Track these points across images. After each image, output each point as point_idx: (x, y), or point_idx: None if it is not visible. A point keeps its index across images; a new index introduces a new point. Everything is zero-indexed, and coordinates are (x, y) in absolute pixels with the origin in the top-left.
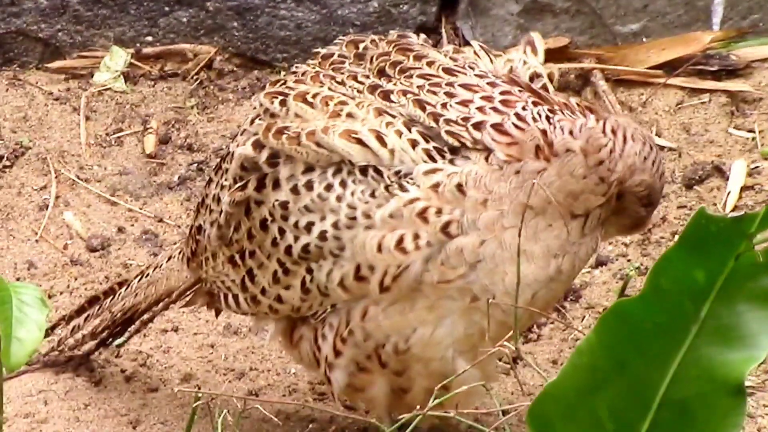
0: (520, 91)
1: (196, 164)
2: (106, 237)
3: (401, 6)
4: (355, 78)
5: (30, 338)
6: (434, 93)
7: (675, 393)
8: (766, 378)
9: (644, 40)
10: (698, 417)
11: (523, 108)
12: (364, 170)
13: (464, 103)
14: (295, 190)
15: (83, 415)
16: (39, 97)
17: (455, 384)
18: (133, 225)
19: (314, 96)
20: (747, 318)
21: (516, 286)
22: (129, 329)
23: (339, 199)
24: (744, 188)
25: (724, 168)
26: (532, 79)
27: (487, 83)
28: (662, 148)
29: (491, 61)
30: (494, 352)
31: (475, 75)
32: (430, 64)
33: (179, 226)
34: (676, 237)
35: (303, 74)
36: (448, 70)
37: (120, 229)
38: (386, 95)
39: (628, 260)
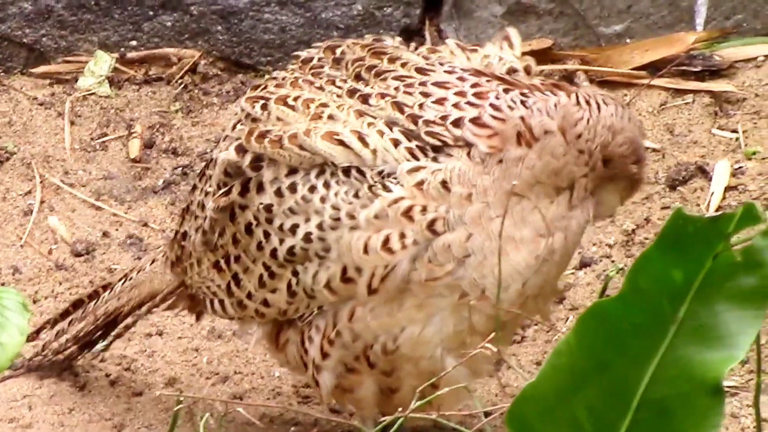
0: (488, 81)
1: (180, 168)
2: (90, 242)
3: (385, 9)
4: (333, 83)
5: (12, 343)
6: (410, 94)
7: (654, 393)
8: (750, 378)
9: (628, 41)
10: (677, 417)
11: (497, 97)
12: (347, 171)
13: (440, 101)
14: (279, 193)
15: (68, 419)
16: (24, 102)
17: (444, 382)
18: (117, 229)
19: (295, 99)
20: (725, 318)
21: (498, 283)
22: (112, 333)
23: (323, 200)
24: (727, 188)
25: (708, 168)
26: (509, 74)
27: (457, 78)
28: (646, 149)
29: (468, 58)
30: (483, 349)
31: (444, 72)
32: (403, 65)
33: (164, 231)
34: None
35: (283, 79)
36: (420, 70)
37: (105, 234)
38: (365, 99)
39: (612, 261)
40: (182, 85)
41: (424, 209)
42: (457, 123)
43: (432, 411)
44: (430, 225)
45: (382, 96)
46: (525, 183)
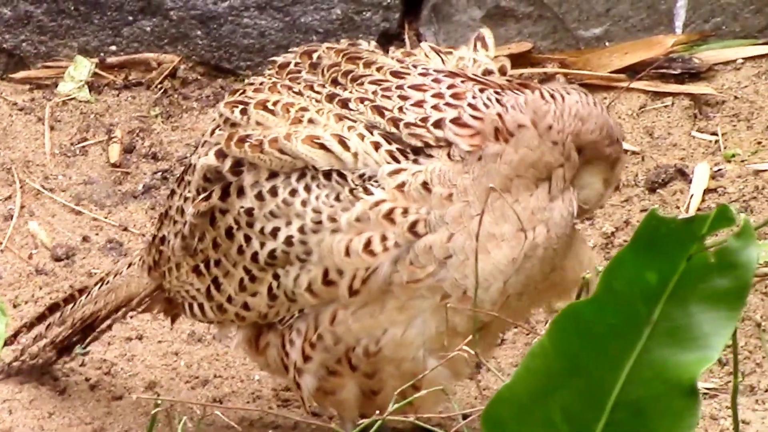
0: (463, 81)
1: (160, 173)
2: (70, 246)
3: (364, 13)
4: (311, 88)
5: None
6: (388, 98)
7: (628, 394)
8: (729, 380)
9: (607, 44)
10: (652, 418)
11: (473, 96)
12: (327, 175)
13: (418, 104)
14: (259, 197)
15: (48, 423)
16: (3, 108)
17: (425, 384)
18: (97, 234)
19: (275, 103)
20: (699, 319)
21: (476, 283)
22: (90, 336)
23: (304, 203)
24: (707, 191)
25: (687, 171)
26: (484, 75)
27: (432, 80)
28: (626, 151)
29: (443, 61)
30: (462, 350)
31: (419, 74)
32: (379, 69)
33: (144, 235)
34: None
35: (261, 84)
36: (395, 74)
37: (85, 239)
38: (344, 103)
39: None
40: (162, 90)
41: (405, 211)
42: (437, 124)
43: (411, 413)
44: (412, 227)
45: (362, 100)
46: (504, 178)
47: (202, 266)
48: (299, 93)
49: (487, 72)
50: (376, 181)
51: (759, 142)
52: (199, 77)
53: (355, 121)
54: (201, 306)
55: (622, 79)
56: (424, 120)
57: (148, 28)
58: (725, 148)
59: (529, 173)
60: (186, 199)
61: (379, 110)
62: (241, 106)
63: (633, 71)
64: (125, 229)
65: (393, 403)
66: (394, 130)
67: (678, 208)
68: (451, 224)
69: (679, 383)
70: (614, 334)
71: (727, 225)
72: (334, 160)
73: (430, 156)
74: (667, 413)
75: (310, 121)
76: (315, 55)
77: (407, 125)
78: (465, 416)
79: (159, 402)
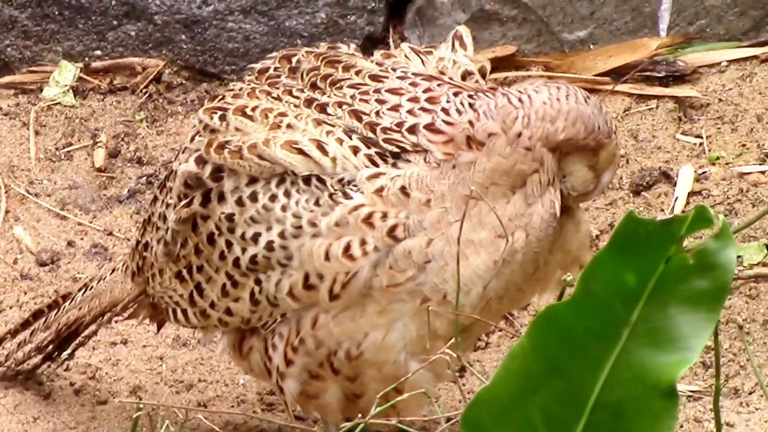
0: (439, 85)
1: (145, 177)
2: (55, 251)
3: (348, 17)
4: (290, 92)
5: None
6: (366, 101)
7: (608, 396)
8: (713, 383)
9: (591, 47)
10: (631, 419)
11: (447, 101)
12: (307, 180)
13: (395, 108)
14: (240, 202)
15: (32, 428)
16: None
17: (407, 387)
18: (82, 239)
19: (253, 109)
20: (678, 320)
21: (458, 287)
22: (75, 342)
23: (284, 209)
24: (691, 194)
25: (672, 174)
26: (464, 77)
27: (410, 84)
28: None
29: (423, 62)
30: (444, 353)
31: (397, 77)
32: (357, 73)
33: (129, 239)
34: None
35: (240, 90)
36: (374, 77)
37: (70, 243)
38: (322, 108)
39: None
40: (147, 95)
41: (384, 216)
42: (412, 129)
43: (394, 416)
44: (391, 231)
45: (340, 105)
46: (479, 186)
47: (184, 272)
48: (278, 98)
49: (467, 73)
50: (356, 186)
51: (743, 145)
52: (183, 81)
53: (333, 126)
54: (184, 312)
55: (606, 82)
56: (400, 125)
57: (133, 33)
58: (710, 150)
59: (504, 181)
60: (168, 205)
61: (357, 114)
62: (219, 113)
63: (617, 74)
64: (110, 234)
65: (376, 406)
66: (371, 134)
67: (663, 210)
68: (429, 230)
69: (659, 385)
70: (593, 335)
71: (706, 226)
72: (313, 165)
73: (408, 161)
74: (647, 414)
75: (289, 126)
76: (294, 60)
77: (384, 130)
78: (448, 419)
79: (141, 406)
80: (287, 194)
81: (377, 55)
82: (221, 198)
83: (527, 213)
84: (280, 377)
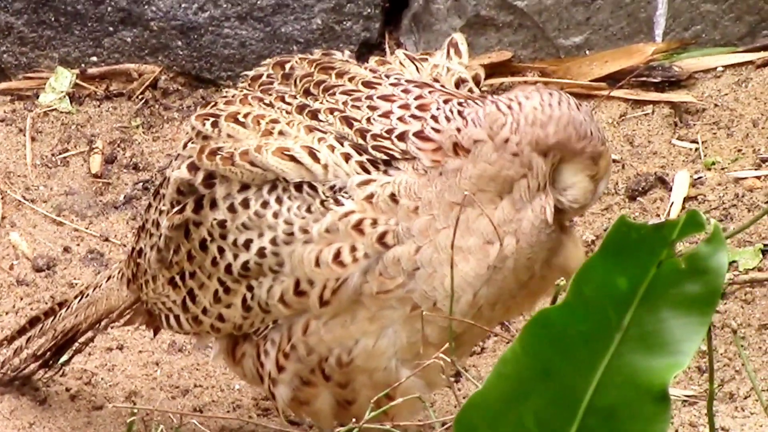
0: (431, 92)
1: (141, 183)
2: (51, 257)
3: (344, 22)
4: (282, 99)
5: None
6: (358, 108)
7: (600, 400)
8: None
9: (587, 52)
10: (623, 423)
11: (437, 108)
12: (299, 186)
13: (386, 114)
14: (232, 209)
15: None
16: None
17: (399, 393)
18: (78, 245)
19: (245, 116)
20: (670, 325)
21: (451, 294)
22: (72, 349)
23: (276, 215)
24: (687, 199)
25: (668, 179)
26: (457, 85)
27: (402, 90)
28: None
29: (417, 69)
30: (436, 360)
31: (390, 84)
32: (351, 79)
33: (125, 245)
34: None
35: (233, 97)
36: (367, 84)
37: (66, 249)
38: (314, 114)
39: None
40: (143, 101)
41: (374, 222)
42: (401, 137)
43: (387, 422)
44: (381, 238)
45: (331, 111)
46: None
47: (177, 278)
48: (270, 105)
49: (461, 81)
50: (346, 193)
51: (739, 150)
52: (179, 88)
53: (325, 133)
54: (177, 318)
55: (602, 88)
56: (390, 132)
57: (129, 39)
58: (705, 156)
59: (491, 187)
60: (161, 212)
61: (348, 121)
62: (212, 119)
63: (613, 79)
64: (106, 240)
65: (369, 412)
66: (361, 141)
67: (658, 215)
68: (417, 237)
69: (650, 389)
70: (585, 339)
71: (697, 231)
72: (304, 172)
73: (398, 168)
74: (638, 419)
75: (281, 133)
76: (287, 66)
77: (373, 137)
78: (443, 423)
79: (135, 411)
80: (279, 201)
81: (372, 61)
82: (213, 204)
83: (516, 219)
84: (272, 383)
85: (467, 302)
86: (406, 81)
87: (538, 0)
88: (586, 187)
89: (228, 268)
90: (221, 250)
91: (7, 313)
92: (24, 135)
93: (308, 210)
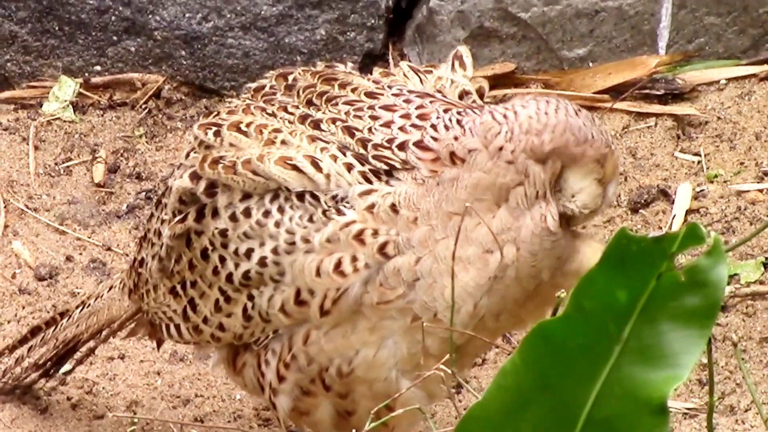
0: (432, 102)
1: (144, 193)
2: (54, 266)
3: (348, 33)
4: (285, 109)
5: None
6: (360, 118)
7: (599, 412)
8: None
9: (590, 64)
10: None
11: (437, 117)
12: (301, 196)
13: (387, 124)
14: (233, 218)
15: None
16: None
17: (399, 404)
18: (81, 254)
19: (248, 125)
20: (669, 337)
21: (452, 306)
22: (73, 358)
23: (277, 224)
24: (689, 211)
25: (670, 191)
26: (461, 97)
27: (404, 101)
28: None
29: (421, 81)
30: (437, 372)
31: (392, 94)
32: (353, 90)
33: (127, 255)
34: None
35: (235, 107)
36: (369, 94)
37: (68, 258)
38: (316, 124)
39: None
40: (146, 110)
41: (375, 233)
42: (401, 146)
43: None
44: (381, 248)
45: (333, 121)
46: (462, 202)
47: (178, 287)
48: (273, 114)
49: (464, 93)
50: (348, 202)
51: (741, 163)
52: (183, 97)
53: (327, 143)
54: (177, 327)
55: (605, 100)
56: (390, 141)
57: (133, 48)
58: (708, 168)
59: (487, 196)
60: (163, 221)
61: (350, 131)
62: (214, 128)
63: (616, 92)
64: (109, 249)
65: (369, 422)
66: (362, 150)
67: (660, 228)
68: (417, 247)
69: (649, 401)
70: (584, 352)
71: (697, 243)
72: (306, 182)
73: (399, 179)
74: (637, 431)
75: (283, 142)
76: (290, 78)
77: (375, 146)
78: None
79: (136, 420)
80: (281, 210)
81: (375, 73)
82: (215, 213)
83: (515, 227)
84: (272, 393)
85: (468, 313)
86: (409, 91)
87: (541, 12)
88: (594, 191)
89: (229, 278)
90: (222, 259)
91: (9, 322)
92: (27, 144)
93: (310, 219)
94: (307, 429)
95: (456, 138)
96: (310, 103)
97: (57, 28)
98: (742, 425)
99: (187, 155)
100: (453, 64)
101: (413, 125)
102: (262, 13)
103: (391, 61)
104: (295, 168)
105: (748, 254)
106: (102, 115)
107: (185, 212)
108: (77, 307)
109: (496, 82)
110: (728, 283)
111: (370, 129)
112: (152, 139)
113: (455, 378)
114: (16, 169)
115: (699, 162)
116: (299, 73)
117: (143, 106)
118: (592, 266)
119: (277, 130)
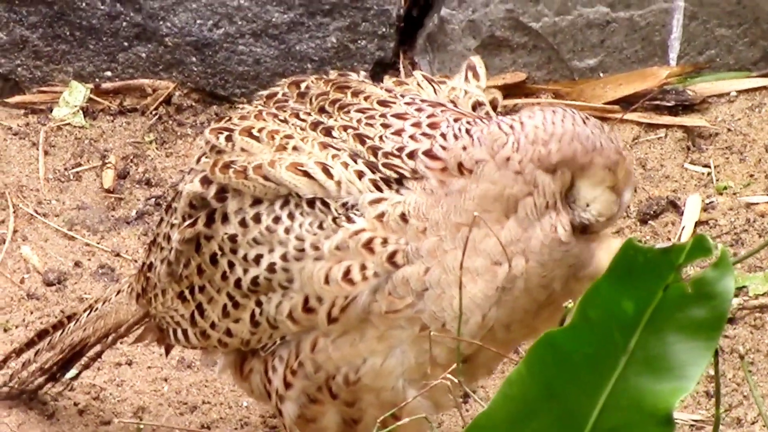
0: (443, 111)
1: (154, 199)
2: (62, 271)
3: (359, 41)
4: (297, 116)
5: None
6: (371, 125)
7: (605, 423)
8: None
9: (601, 75)
10: None
11: (446, 126)
12: (311, 203)
13: (398, 132)
14: (243, 223)
15: None
16: None
17: (405, 413)
18: (90, 259)
19: (260, 130)
20: (675, 348)
21: (459, 316)
22: (80, 363)
23: (287, 231)
24: (698, 223)
25: (679, 203)
26: (474, 108)
27: (415, 109)
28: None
29: (435, 91)
30: (443, 382)
31: (405, 103)
32: (366, 98)
33: (136, 261)
34: None
35: (247, 112)
36: (382, 102)
37: (77, 264)
38: (328, 131)
39: None
40: (157, 116)
41: (384, 241)
42: (411, 155)
43: None
44: (391, 257)
45: (345, 128)
46: (471, 213)
47: (186, 292)
48: (284, 121)
49: (478, 104)
50: (358, 210)
51: (751, 175)
52: (193, 104)
53: (339, 150)
54: (185, 332)
55: (615, 111)
56: (401, 150)
57: (144, 55)
58: (717, 180)
59: (495, 207)
60: (172, 225)
61: (361, 138)
62: (226, 133)
63: (627, 102)
64: (117, 255)
65: (375, 431)
66: (373, 159)
67: (669, 239)
68: (426, 258)
69: (655, 412)
70: (591, 362)
71: (704, 255)
72: (317, 188)
73: (408, 188)
74: None
75: (295, 148)
76: (303, 85)
77: (385, 155)
78: None
79: (142, 426)
80: (291, 216)
81: (388, 81)
82: (225, 218)
83: (524, 238)
84: (279, 400)
85: (476, 323)
86: (421, 100)
87: (552, 22)
88: (608, 198)
89: (237, 283)
90: (231, 265)
91: (17, 327)
92: (37, 149)
93: (320, 226)
94: None
95: (464, 148)
96: (322, 110)
97: (68, 34)
98: None
99: (198, 160)
100: (466, 75)
101: (423, 134)
102: (273, 20)
103: (401, 69)
104: (306, 174)
105: (756, 266)
106: (112, 121)
107: (195, 217)
108: (85, 311)
109: (506, 91)
110: (736, 296)
111: (381, 137)
112: (162, 146)
113: (462, 387)
114: (25, 174)
115: (709, 174)
116: (312, 81)
117: (153, 112)
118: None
119: (289, 136)
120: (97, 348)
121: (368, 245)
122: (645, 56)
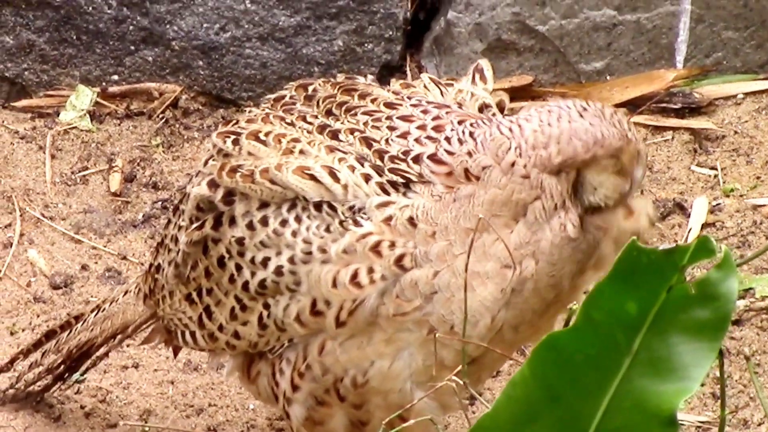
0: (447, 113)
1: (160, 202)
2: (69, 274)
3: (366, 45)
4: (304, 119)
5: None
6: (378, 128)
7: (608, 424)
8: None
9: (608, 78)
10: None
11: (451, 129)
12: (318, 206)
13: (404, 135)
14: (250, 226)
15: None
16: (5, 136)
17: (412, 415)
18: (96, 262)
19: (267, 134)
20: (679, 350)
21: (464, 318)
22: (86, 364)
23: (294, 234)
24: (705, 225)
25: (686, 205)
26: (481, 110)
27: (421, 111)
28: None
29: (442, 93)
30: (450, 384)
31: (411, 105)
32: (373, 100)
33: (142, 264)
34: None
35: (254, 115)
36: (389, 104)
37: (83, 267)
38: (335, 134)
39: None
40: (163, 120)
41: (392, 245)
42: (416, 159)
43: None
44: (398, 260)
45: (351, 131)
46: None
47: (194, 294)
48: (291, 124)
49: (485, 106)
50: (365, 213)
51: (758, 177)
52: (200, 107)
53: (345, 153)
54: (193, 334)
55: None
56: (406, 153)
57: (150, 58)
58: (724, 182)
59: (504, 211)
60: (180, 228)
61: (368, 141)
62: (233, 137)
63: (634, 105)
64: (124, 258)
65: None
66: (379, 162)
67: (676, 242)
68: (435, 261)
69: (659, 413)
70: (594, 363)
71: (708, 256)
72: (324, 192)
73: (416, 192)
74: None
75: (302, 152)
76: (311, 88)
77: (391, 158)
78: None
79: (147, 429)
80: (298, 220)
81: (395, 84)
82: (232, 221)
83: (533, 240)
84: (286, 402)
85: (485, 326)
86: (427, 102)
87: (559, 25)
88: (614, 182)
89: (245, 286)
90: (239, 268)
91: (23, 330)
92: (44, 152)
93: (327, 230)
94: None
95: (470, 153)
96: (329, 113)
97: (75, 38)
98: None
99: (206, 163)
100: (473, 77)
101: (428, 137)
102: (280, 23)
103: (408, 72)
104: (313, 178)
105: (763, 268)
106: (119, 125)
107: (202, 219)
108: (92, 311)
109: (513, 94)
110: (743, 297)
111: (387, 140)
112: (169, 149)
113: (468, 389)
114: (32, 177)
115: (715, 176)
116: (319, 84)
117: (160, 116)
118: (612, 254)
119: (296, 140)
120: (103, 349)
121: (376, 248)
122: (652, 59)
